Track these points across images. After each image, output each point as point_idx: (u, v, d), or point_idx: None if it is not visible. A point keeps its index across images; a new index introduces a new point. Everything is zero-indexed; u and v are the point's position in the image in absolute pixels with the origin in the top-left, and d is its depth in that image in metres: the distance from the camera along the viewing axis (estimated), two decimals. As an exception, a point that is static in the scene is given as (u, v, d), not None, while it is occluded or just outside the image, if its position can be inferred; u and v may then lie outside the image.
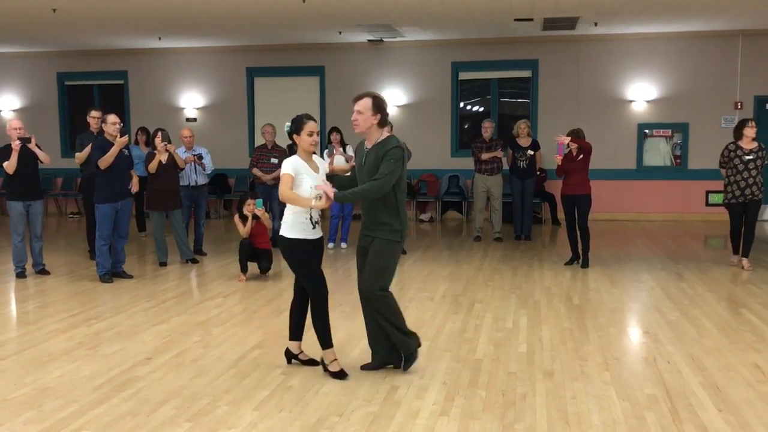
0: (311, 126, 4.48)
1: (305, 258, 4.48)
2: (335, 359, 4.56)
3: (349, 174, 4.99)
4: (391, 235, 4.43)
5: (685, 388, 4.32)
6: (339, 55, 13.29)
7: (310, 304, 4.57)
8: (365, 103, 4.40)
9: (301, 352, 4.78)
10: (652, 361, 4.87)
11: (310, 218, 4.48)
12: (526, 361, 4.84)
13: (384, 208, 4.42)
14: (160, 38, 12.56)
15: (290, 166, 4.44)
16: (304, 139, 4.48)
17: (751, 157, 8.02)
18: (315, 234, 4.51)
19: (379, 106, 4.41)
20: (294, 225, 4.46)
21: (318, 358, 4.66)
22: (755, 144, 8.07)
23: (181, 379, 4.55)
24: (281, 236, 4.51)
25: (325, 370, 4.56)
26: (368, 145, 4.47)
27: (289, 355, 4.80)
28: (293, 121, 4.54)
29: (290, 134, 4.57)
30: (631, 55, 12.49)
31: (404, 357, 4.60)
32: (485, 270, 8.18)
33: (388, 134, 4.49)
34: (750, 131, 8.03)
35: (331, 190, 4.38)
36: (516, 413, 3.95)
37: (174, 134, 9.36)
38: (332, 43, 12.99)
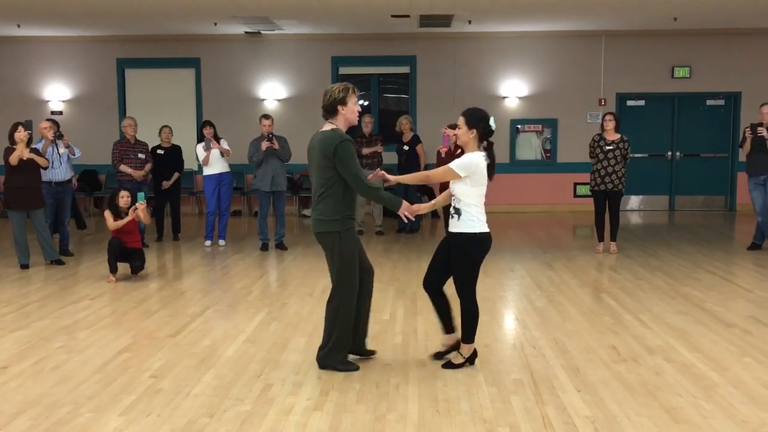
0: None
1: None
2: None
3: None
4: None
5: (549, 371, 4.54)
6: (215, 47, 12.95)
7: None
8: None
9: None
10: (519, 346, 5.08)
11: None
12: (401, 352, 4.92)
13: None
14: (19, 26, 11.76)
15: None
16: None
17: (611, 147, 8.55)
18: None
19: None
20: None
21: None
22: (617, 136, 8.61)
23: (40, 387, 4.29)
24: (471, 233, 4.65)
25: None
26: None
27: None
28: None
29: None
30: (503, 53, 12.95)
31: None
32: (365, 263, 8.22)
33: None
34: (607, 124, 8.61)
35: None
36: (389, 403, 4.01)
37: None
38: (208, 34, 12.64)
